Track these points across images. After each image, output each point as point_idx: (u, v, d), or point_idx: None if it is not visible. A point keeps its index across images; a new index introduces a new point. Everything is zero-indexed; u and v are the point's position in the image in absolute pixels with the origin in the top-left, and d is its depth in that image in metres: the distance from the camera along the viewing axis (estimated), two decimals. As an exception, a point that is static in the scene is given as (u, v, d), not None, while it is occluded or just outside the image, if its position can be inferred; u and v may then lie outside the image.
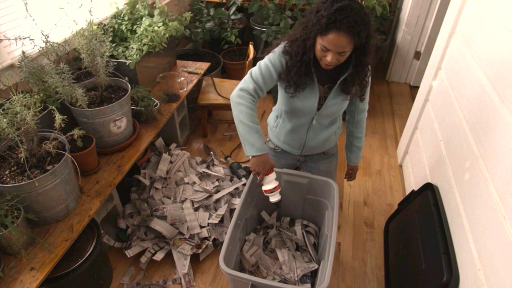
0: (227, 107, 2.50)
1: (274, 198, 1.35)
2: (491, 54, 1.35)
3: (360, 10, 1.07)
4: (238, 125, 1.24)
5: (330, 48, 1.12)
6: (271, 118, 1.57)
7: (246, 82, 1.26)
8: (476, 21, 1.55)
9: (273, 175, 1.31)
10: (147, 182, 1.93)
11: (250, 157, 1.26)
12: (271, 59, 1.27)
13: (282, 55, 1.26)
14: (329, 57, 1.14)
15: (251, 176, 1.52)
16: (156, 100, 1.96)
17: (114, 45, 2.01)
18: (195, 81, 2.34)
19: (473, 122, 1.40)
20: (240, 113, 1.22)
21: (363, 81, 1.30)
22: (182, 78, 2.27)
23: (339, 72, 1.27)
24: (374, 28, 1.16)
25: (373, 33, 1.15)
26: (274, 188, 1.32)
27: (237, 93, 1.25)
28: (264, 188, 1.33)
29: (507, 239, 1.00)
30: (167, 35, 2.08)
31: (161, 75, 2.19)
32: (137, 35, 2.02)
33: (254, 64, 2.45)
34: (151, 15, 2.17)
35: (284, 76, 1.28)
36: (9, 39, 1.47)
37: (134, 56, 1.92)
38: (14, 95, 1.24)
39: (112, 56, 1.94)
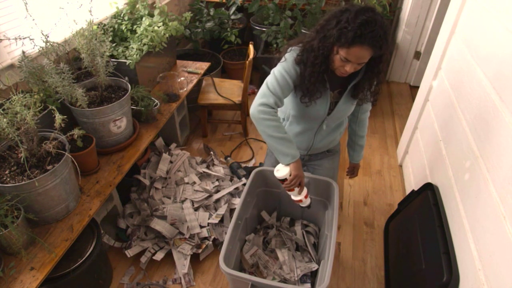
0: (227, 107, 2.50)
1: (305, 203, 1.39)
2: (491, 54, 1.35)
3: (382, 23, 1.06)
4: (267, 139, 1.22)
5: (351, 60, 1.11)
6: None
7: (265, 95, 1.22)
8: (476, 21, 1.55)
9: (303, 187, 1.34)
10: (147, 182, 1.93)
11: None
12: (286, 68, 1.23)
13: (294, 64, 1.24)
14: (348, 67, 1.14)
15: (252, 175, 1.52)
16: (156, 100, 1.96)
17: (114, 45, 2.00)
18: (195, 81, 2.34)
19: (473, 122, 1.40)
20: (267, 128, 1.20)
21: (375, 87, 1.30)
22: (182, 78, 2.27)
23: (349, 77, 1.26)
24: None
25: (389, 46, 1.14)
26: (306, 195, 1.37)
27: (259, 109, 1.20)
28: (297, 198, 1.36)
29: (507, 239, 1.00)
30: (167, 35, 2.08)
31: (161, 75, 2.19)
32: (137, 35, 2.02)
33: (254, 64, 2.46)
34: (151, 15, 2.17)
35: (298, 84, 1.27)
36: (9, 39, 1.47)
37: (134, 56, 1.92)
38: (14, 95, 1.24)
39: (112, 56, 1.94)
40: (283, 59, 1.26)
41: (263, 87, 1.24)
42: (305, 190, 1.35)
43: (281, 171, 1.26)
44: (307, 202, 1.39)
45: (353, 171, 1.71)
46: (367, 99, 1.34)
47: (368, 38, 1.04)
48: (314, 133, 1.43)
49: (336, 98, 1.33)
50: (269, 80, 1.24)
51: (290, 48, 1.27)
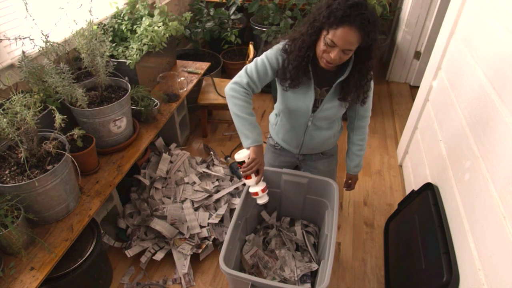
0: (227, 107, 2.50)
1: (262, 200, 1.34)
2: (491, 54, 1.35)
3: (372, 11, 1.07)
4: (233, 118, 1.26)
5: (337, 44, 1.09)
6: (272, 116, 1.58)
7: (240, 76, 1.28)
8: (476, 21, 1.55)
9: (261, 176, 1.30)
10: (147, 182, 1.93)
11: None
12: (268, 55, 1.28)
13: (279, 52, 1.26)
14: (333, 54, 1.11)
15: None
16: (156, 100, 1.96)
17: (114, 45, 2.01)
18: (195, 81, 2.34)
19: (473, 122, 1.40)
20: (234, 106, 1.25)
21: (364, 86, 1.27)
22: (182, 78, 2.27)
23: (337, 75, 1.26)
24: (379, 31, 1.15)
25: (378, 39, 1.14)
26: (263, 189, 1.32)
27: (230, 86, 1.27)
28: (254, 190, 1.32)
29: (507, 239, 1.00)
30: (167, 35, 2.08)
31: (161, 75, 2.19)
32: (137, 35, 2.02)
33: (254, 64, 2.46)
34: (151, 15, 2.17)
35: (281, 71, 1.28)
36: (9, 39, 1.47)
37: (134, 56, 1.92)
38: (14, 95, 1.24)
39: (112, 56, 1.94)
40: (270, 48, 1.30)
41: (242, 69, 1.29)
42: (263, 184, 1.32)
43: (241, 153, 1.27)
44: (264, 198, 1.34)
45: (350, 184, 1.65)
46: (358, 99, 1.30)
47: (357, 19, 1.04)
48: (303, 131, 1.43)
49: (323, 96, 1.32)
50: (249, 64, 1.29)
51: (281, 41, 1.30)
